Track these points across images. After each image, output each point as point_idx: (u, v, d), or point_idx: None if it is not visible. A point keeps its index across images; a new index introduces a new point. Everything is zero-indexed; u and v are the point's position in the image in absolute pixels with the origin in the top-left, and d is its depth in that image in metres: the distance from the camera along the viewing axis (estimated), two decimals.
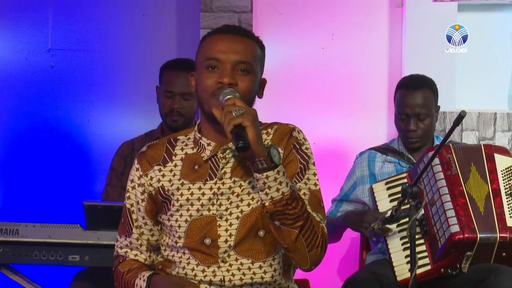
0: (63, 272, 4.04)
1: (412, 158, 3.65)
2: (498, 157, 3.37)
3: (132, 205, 2.47)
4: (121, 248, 2.51)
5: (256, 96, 2.43)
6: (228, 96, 2.29)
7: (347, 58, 4.45)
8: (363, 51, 4.45)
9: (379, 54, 4.45)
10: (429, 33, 4.33)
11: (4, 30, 4.61)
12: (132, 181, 2.47)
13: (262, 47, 2.44)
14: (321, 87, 4.45)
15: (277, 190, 2.25)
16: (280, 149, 2.38)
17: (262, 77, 2.45)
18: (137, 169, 2.46)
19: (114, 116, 4.60)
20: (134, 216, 2.47)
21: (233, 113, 2.22)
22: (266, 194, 2.25)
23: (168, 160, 2.44)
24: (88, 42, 4.60)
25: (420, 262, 3.18)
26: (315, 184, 2.41)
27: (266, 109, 4.28)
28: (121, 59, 4.59)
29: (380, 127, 4.44)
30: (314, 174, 2.43)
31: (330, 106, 4.45)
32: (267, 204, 2.26)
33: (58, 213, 4.45)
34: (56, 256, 3.35)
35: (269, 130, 2.43)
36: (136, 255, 2.49)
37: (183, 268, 2.40)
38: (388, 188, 3.47)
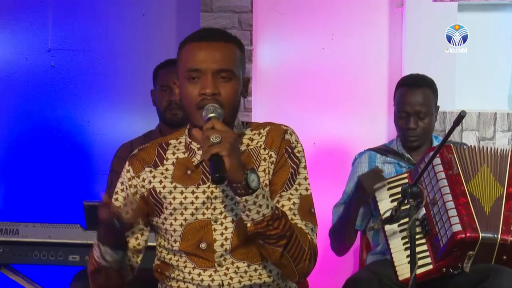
0: (63, 272, 4.04)
1: (411, 159, 3.65)
2: None
3: (120, 207, 2.37)
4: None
5: (241, 96, 2.40)
6: (210, 115, 2.26)
7: (347, 58, 4.45)
8: (363, 51, 4.45)
9: (379, 54, 4.45)
10: (429, 33, 4.33)
11: (4, 30, 4.61)
12: (122, 183, 2.44)
13: (241, 47, 2.40)
14: (321, 87, 4.45)
15: (257, 212, 2.23)
16: (272, 153, 2.37)
17: (246, 76, 2.42)
18: (128, 171, 2.43)
19: (114, 116, 4.60)
20: None
21: (210, 140, 2.18)
22: (247, 215, 2.23)
23: (159, 164, 2.42)
24: (88, 42, 4.60)
25: (421, 262, 3.18)
26: (306, 189, 2.39)
27: (266, 109, 4.28)
28: (121, 59, 4.59)
29: (380, 127, 4.43)
30: (305, 178, 2.40)
31: (330, 106, 4.45)
32: (248, 225, 2.25)
33: (58, 213, 4.45)
34: (56, 256, 3.35)
35: (261, 131, 2.42)
36: None
37: (181, 271, 2.39)
38: (389, 188, 3.47)
